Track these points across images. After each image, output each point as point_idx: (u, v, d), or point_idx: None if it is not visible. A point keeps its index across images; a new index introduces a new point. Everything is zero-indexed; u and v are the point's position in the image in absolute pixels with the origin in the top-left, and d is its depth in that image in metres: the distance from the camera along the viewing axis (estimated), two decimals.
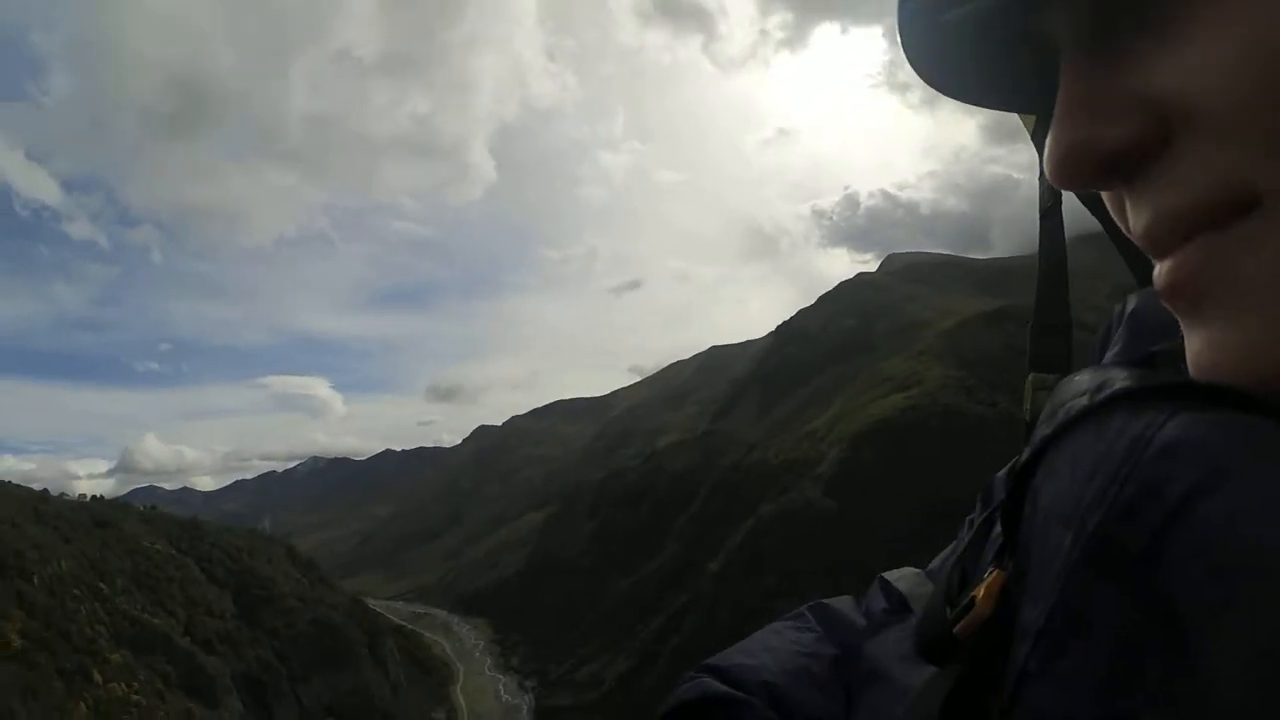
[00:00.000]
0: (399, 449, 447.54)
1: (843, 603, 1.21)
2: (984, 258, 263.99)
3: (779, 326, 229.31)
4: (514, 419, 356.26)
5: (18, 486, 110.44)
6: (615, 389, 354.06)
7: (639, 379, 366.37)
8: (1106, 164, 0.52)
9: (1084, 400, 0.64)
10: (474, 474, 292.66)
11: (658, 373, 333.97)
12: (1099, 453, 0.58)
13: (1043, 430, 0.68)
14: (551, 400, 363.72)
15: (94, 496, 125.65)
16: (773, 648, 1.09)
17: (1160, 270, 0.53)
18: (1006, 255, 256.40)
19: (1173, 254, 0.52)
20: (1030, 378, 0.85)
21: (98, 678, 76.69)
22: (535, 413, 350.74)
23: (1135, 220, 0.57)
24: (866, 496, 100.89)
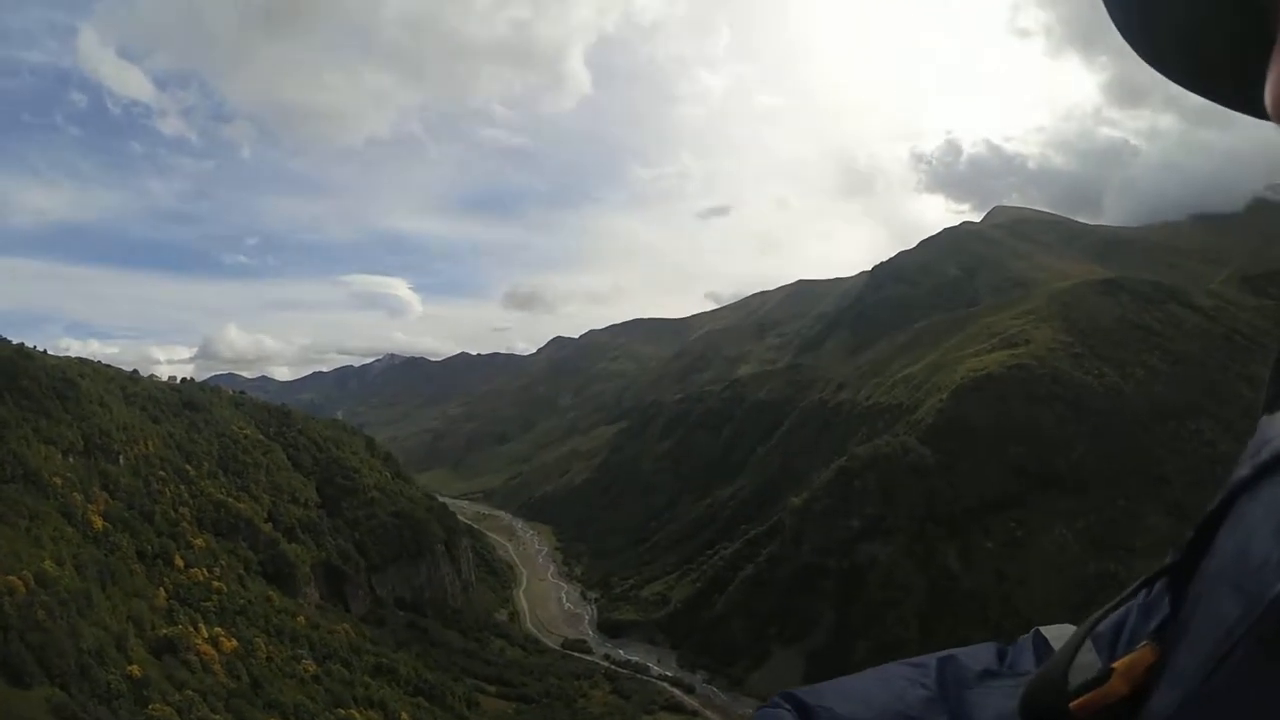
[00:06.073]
0: (474, 352, 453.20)
1: (980, 655, 1.07)
2: (1093, 223, 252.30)
3: (875, 267, 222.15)
4: (591, 333, 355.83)
5: (107, 366, 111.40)
6: (693, 313, 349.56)
7: (715, 306, 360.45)
8: None
9: None
10: (547, 383, 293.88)
11: (739, 301, 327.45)
12: None
13: (1239, 472, 0.57)
14: (629, 318, 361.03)
15: (183, 379, 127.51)
16: (873, 701, 0.98)
17: None
18: (1118, 224, 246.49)
19: None
20: (1262, 420, 0.69)
21: (179, 562, 76.49)
22: (613, 329, 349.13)
23: None
24: (965, 449, 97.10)
